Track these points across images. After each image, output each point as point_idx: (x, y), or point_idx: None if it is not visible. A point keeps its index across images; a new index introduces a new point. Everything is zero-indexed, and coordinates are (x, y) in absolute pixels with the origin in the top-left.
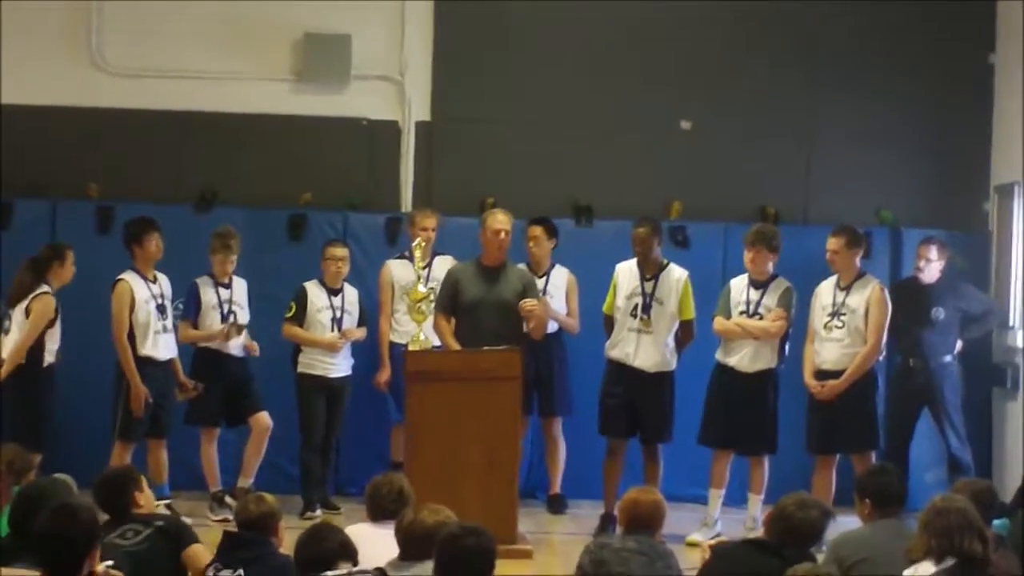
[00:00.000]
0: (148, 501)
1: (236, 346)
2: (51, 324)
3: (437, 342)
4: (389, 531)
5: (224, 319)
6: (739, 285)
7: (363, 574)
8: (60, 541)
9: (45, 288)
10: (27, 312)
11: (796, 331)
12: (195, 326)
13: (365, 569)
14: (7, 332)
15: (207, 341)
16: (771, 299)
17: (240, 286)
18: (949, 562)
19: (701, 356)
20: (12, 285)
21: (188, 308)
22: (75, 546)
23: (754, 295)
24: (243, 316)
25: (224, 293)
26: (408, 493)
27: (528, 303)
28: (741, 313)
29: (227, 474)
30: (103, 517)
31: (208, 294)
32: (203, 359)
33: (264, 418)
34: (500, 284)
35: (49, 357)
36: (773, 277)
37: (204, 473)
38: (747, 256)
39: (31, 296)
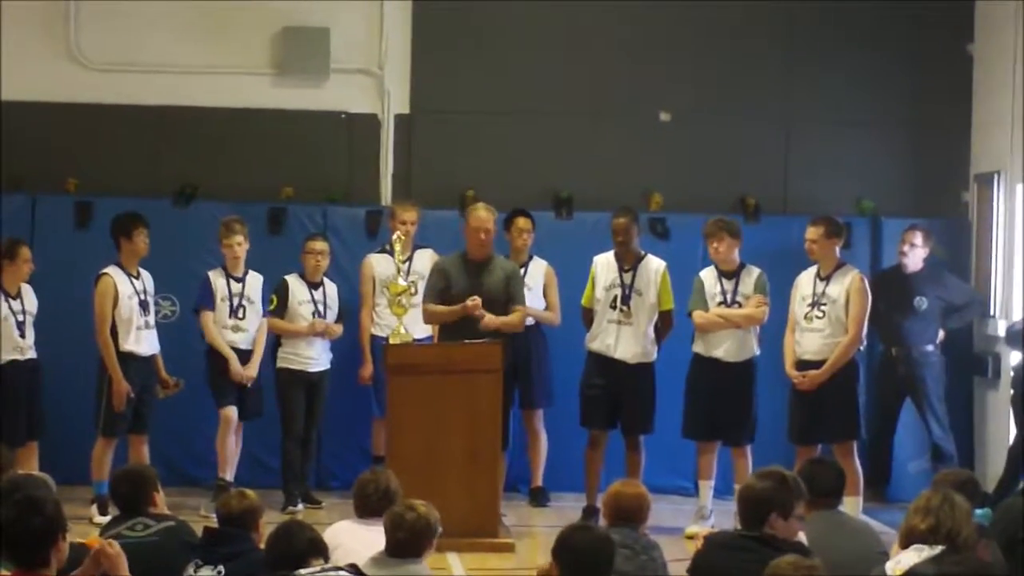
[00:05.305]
0: (162, 502)
1: (243, 341)
2: None
3: (418, 335)
4: (375, 528)
5: (232, 312)
6: (709, 278)
7: (336, 571)
8: (23, 532)
9: None
10: None
11: (773, 320)
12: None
13: (338, 566)
14: None
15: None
16: (746, 286)
17: (255, 280)
18: (937, 549)
19: (675, 348)
20: None
21: (203, 298)
22: (38, 537)
23: (727, 285)
24: (252, 311)
25: (235, 287)
26: (395, 490)
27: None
28: (719, 304)
29: (213, 468)
30: (107, 517)
31: (218, 285)
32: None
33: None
34: (486, 277)
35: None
36: (741, 266)
37: (218, 460)
38: (712, 248)
39: None
